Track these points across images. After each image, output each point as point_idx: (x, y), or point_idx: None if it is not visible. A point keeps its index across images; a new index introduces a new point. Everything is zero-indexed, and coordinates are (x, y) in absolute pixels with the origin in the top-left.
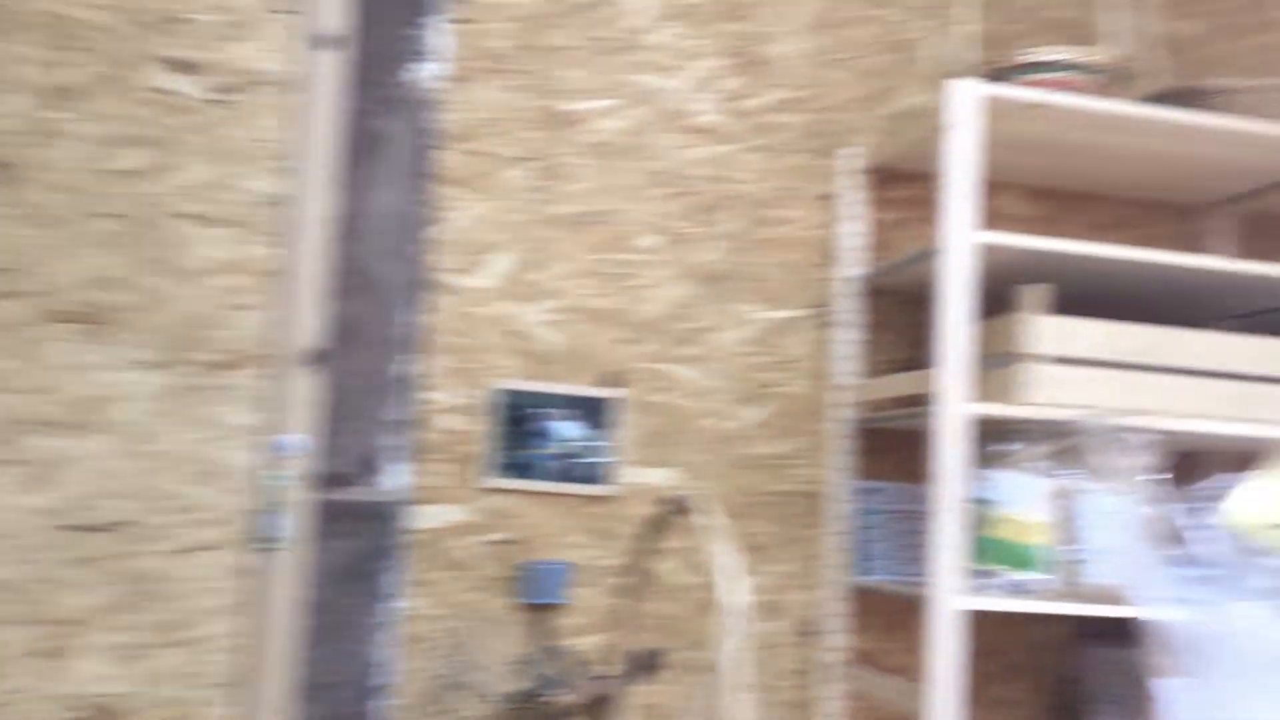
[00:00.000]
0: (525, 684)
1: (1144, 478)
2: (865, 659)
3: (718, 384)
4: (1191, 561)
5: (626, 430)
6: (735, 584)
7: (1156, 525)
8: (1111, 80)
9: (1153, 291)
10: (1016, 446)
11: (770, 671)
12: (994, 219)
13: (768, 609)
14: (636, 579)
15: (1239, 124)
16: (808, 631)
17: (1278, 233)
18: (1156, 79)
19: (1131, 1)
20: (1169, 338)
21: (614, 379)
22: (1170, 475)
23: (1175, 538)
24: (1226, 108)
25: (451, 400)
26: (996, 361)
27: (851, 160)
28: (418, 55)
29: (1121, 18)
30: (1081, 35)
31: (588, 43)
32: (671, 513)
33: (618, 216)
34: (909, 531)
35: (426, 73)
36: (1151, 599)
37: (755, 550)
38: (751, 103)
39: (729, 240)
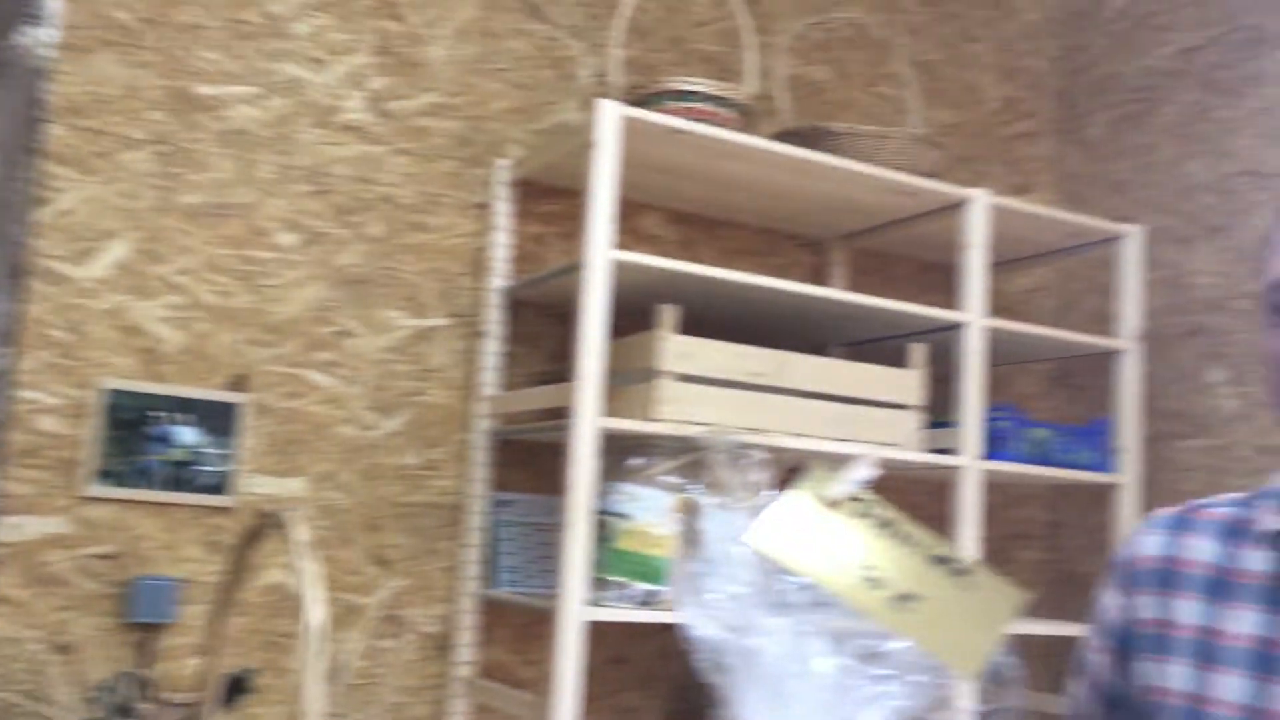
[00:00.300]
0: (98, 714)
1: (761, 492)
2: (496, 672)
3: (354, 391)
4: (727, 574)
5: (252, 437)
6: (316, 603)
7: (702, 536)
8: (747, 115)
9: (779, 317)
10: (647, 461)
11: (400, 686)
12: (637, 239)
13: (400, 622)
14: (226, 596)
15: (855, 166)
16: (440, 645)
17: (888, 269)
18: (786, 118)
19: (769, 43)
20: (789, 361)
21: (241, 383)
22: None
23: (714, 549)
24: (846, 149)
25: (51, 400)
26: (631, 377)
27: (502, 171)
28: (28, 18)
29: (759, 58)
30: (723, 70)
31: (226, 24)
32: (267, 525)
33: (252, 211)
34: (543, 544)
35: (37, 38)
36: (692, 612)
37: (389, 563)
38: (401, 104)
39: (372, 244)
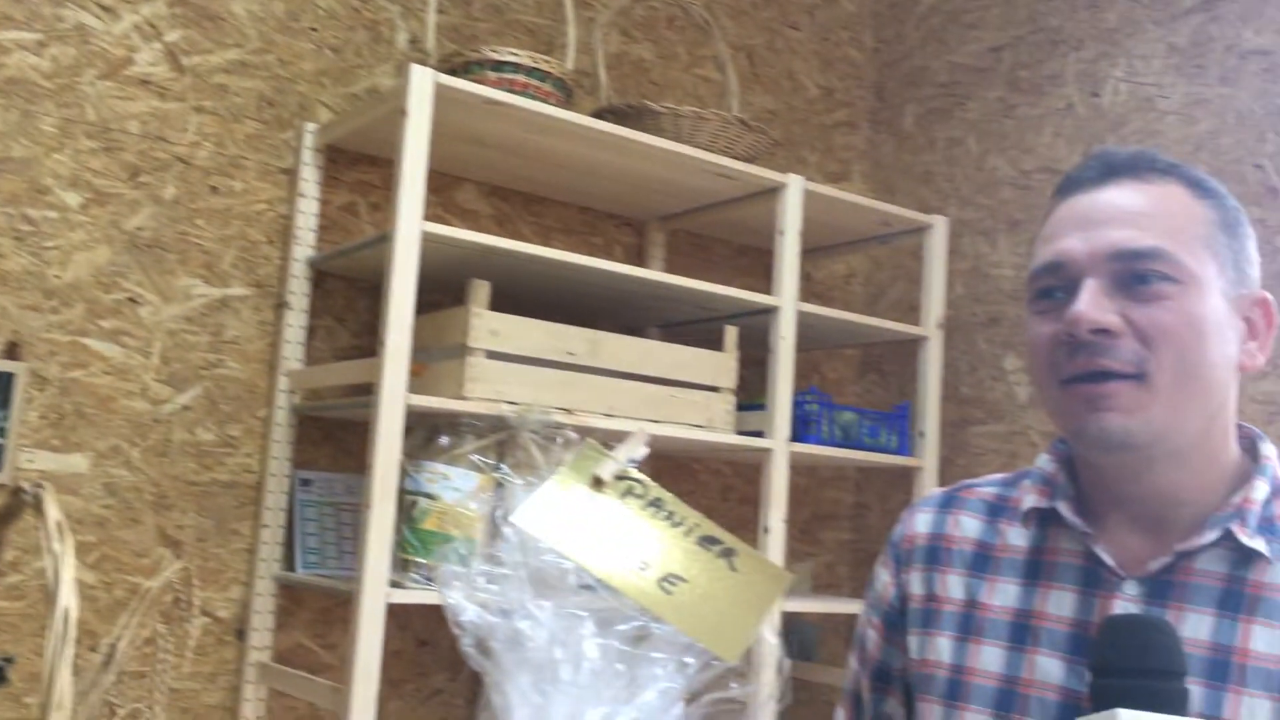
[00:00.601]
0: None
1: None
2: (294, 658)
3: (144, 362)
4: (494, 555)
5: (28, 409)
6: (66, 586)
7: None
8: (566, 90)
9: (596, 297)
10: (456, 440)
11: (191, 673)
12: (453, 212)
13: (191, 606)
14: None
15: (674, 146)
16: (235, 630)
17: (706, 251)
18: (607, 95)
19: (591, 18)
20: (602, 340)
21: (13, 350)
22: None
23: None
24: (666, 130)
25: None
26: (440, 354)
27: (310, 136)
28: None
29: (581, 32)
30: (544, 43)
31: None
32: (21, 503)
33: (31, 167)
34: (346, 524)
35: None
36: (458, 594)
37: (180, 544)
38: (200, 60)
39: (166, 207)
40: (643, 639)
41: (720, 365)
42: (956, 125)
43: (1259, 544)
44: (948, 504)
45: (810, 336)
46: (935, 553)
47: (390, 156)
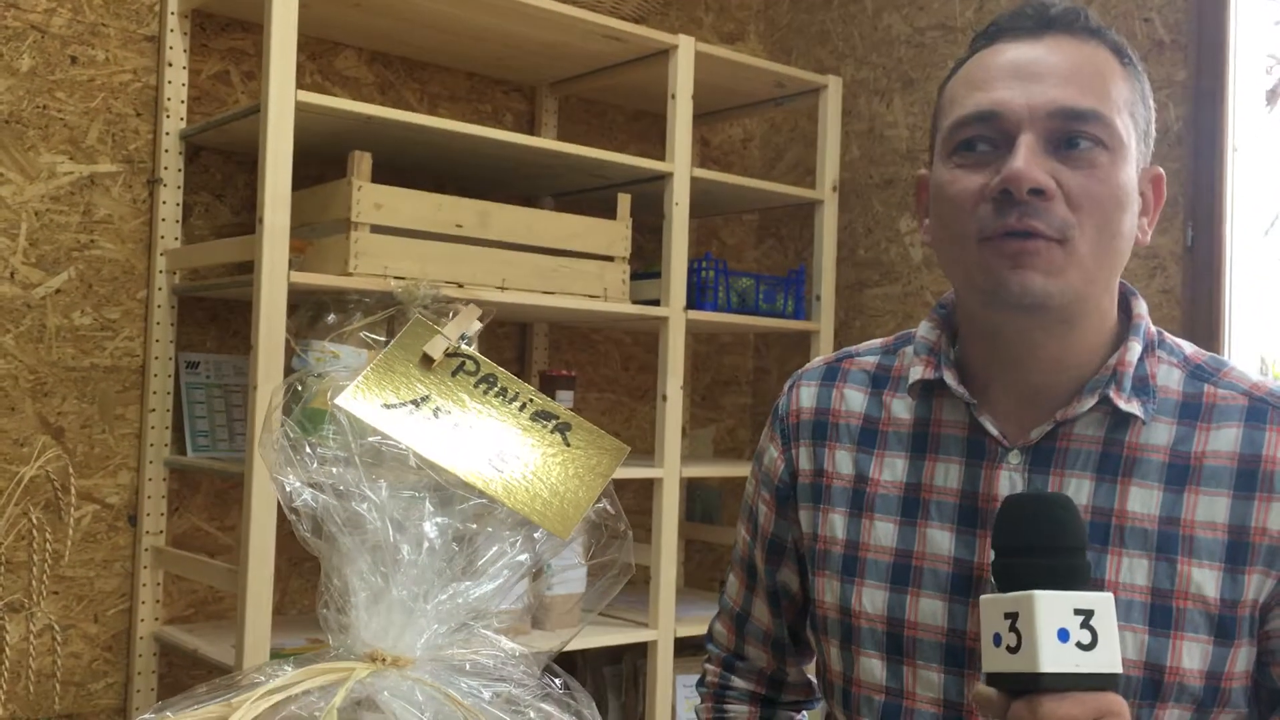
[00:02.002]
0: None
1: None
2: (188, 541)
3: (10, 244)
4: (324, 437)
5: None
6: None
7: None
8: None
9: (486, 168)
10: (341, 317)
11: (83, 560)
12: (333, 80)
13: (79, 494)
14: None
15: (557, 7)
16: (127, 515)
17: (600, 118)
18: None
19: None
20: (491, 211)
21: None
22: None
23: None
24: None
25: None
26: (323, 230)
27: (175, 2)
28: None
29: None
30: None
31: None
32: None
33: None
34: (235, 406)
35: None
36: (289, 477)
37: (62, 431)
38: None
39: (21, 79)
40: (483, 516)
41: (613, 234)
42: None
43: (1134, 407)
44: (831, 376)
45: (707, 203)
46: (822, 427)
47: (260, 20)
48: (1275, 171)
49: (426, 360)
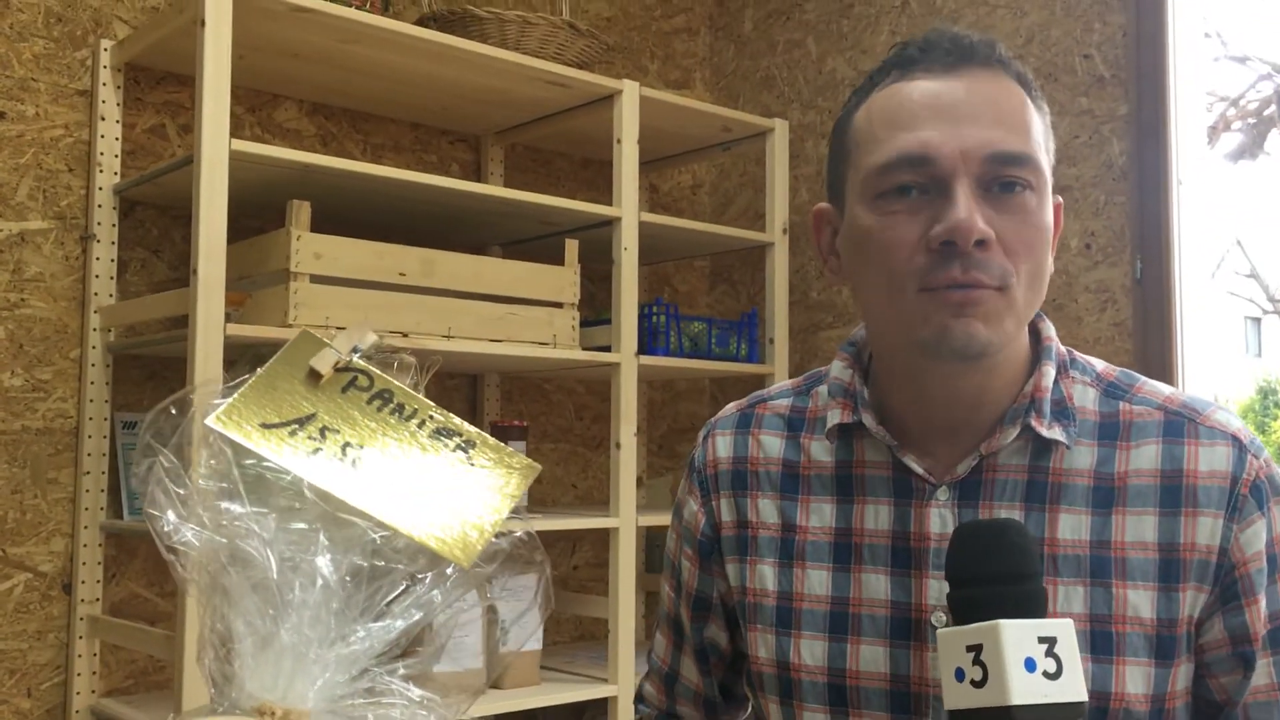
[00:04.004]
0: None
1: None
2: (126, 609)
3: None
4: (204, 469)
5: None
6: None
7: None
8: None
9: (433, 217)
10: None
11: (14, 632)
12: (273, 132)
13: (10, 562)
14: None
15: (497, 53)
16: (61, 584)
17: (547, 166)
18: (429, 2)
19: None
20: (435, 259)
21: None
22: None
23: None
24: (491, 36)
25: None
26: (263, 281)
27: (107, 54)
28: None
29: None
30: None
31: None
32: None
33: None
34: None
35: None
36: (169, 515)
37: None
38: None
39: None
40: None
41: (562, 280)
42: (795, 28)
43: (1056, 433)
44: (745, 423)
45: (657, 249)
46: (741, 477)
47: (193, 73)
48: (1219, 207)
49: (314, 376)
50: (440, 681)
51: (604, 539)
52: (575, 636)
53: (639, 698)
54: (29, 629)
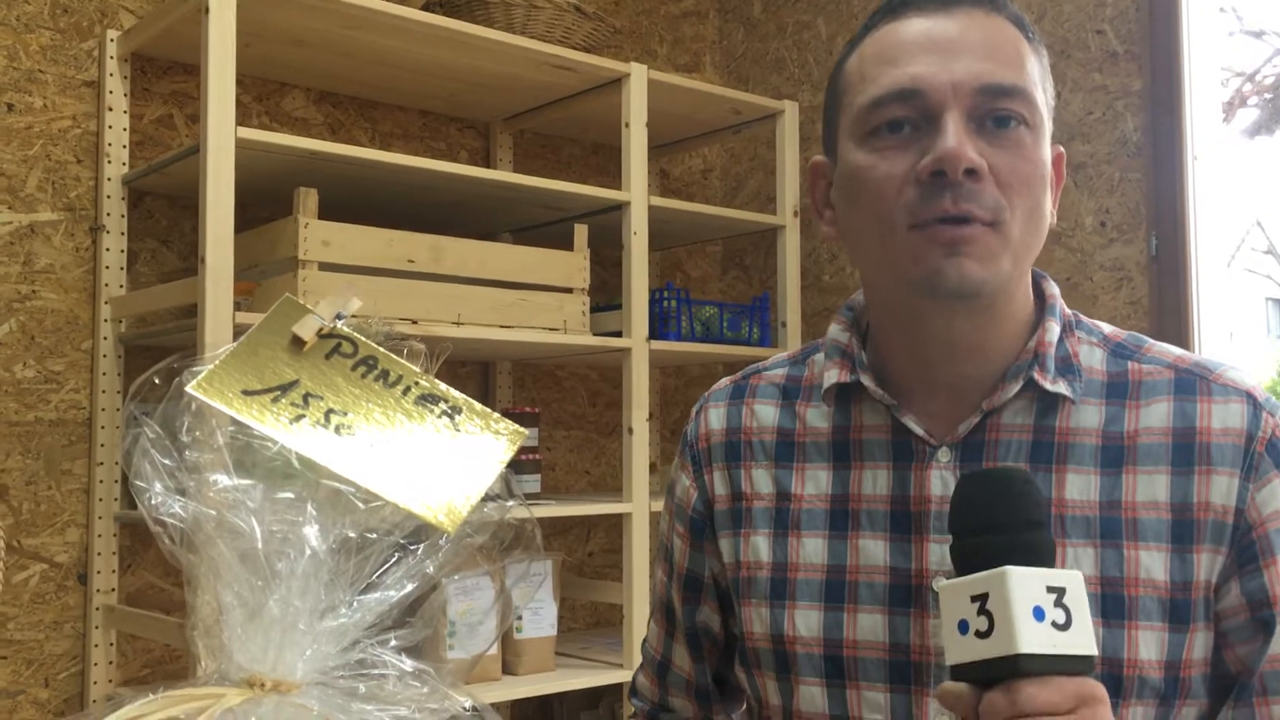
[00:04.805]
0: None
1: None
2: (142, 599)
3: None
4: (189, 439)
5: None
6: None
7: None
8: None
9: (442, 204)
10: None
11: (31, 622)
12: (281, 121)
13: (26, 553)
14: None
15: (504, 37)
16: (77, 574)
17: (556, 152)
18: None
19: None
20: (444, 246)
21: None
22: None
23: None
24: (498, 21)
25: None
26: (272, 269)
27: (113, 44)
28: None
29: None
30: None
31: None
32: None
33: None
34: None
35: None
36: (155, 488)
37: (6, 489)
38: None
39: None
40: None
41: (571, 265)
42: (805, 9)
43: (1060, 387)
44: (739, 394)
45: (668, 233)
46: (735, 448)
47: (198, 62)
48: (1237, 184)
49: (297, 342)
50: (452, 666)
51: (618, 525)
52: (590, 623)
53: (632, 691)
54: (45, 619)
